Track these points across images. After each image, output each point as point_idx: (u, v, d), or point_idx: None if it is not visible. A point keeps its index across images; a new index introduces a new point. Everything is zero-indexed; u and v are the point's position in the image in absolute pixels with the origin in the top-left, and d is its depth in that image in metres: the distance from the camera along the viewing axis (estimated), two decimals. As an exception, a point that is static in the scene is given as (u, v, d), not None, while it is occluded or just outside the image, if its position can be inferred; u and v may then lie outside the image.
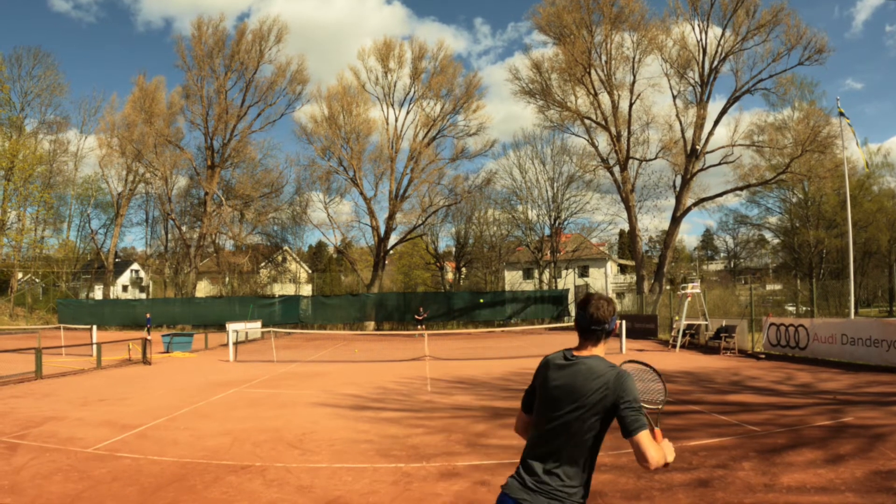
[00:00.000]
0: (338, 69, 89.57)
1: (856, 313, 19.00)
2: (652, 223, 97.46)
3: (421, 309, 31.16)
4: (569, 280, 46.40)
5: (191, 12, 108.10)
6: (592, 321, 2.51)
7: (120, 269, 60.06)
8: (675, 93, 35.16)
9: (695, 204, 34.92)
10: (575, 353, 2.54)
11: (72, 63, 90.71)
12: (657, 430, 2.44)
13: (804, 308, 33.66)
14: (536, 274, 48.29)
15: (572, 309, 38.18)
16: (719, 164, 34.14)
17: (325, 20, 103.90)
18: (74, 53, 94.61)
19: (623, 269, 58.69)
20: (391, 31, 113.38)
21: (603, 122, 36.38)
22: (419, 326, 29.45)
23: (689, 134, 34.16)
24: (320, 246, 70.76)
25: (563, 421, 2.44)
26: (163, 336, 22.34)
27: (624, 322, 20.13)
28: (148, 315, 30.44)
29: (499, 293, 42.18)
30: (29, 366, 13.59)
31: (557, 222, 46.49)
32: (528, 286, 48.73)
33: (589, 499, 5.13)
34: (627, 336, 20.23)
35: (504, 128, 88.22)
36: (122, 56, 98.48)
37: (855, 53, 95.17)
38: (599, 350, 2.55)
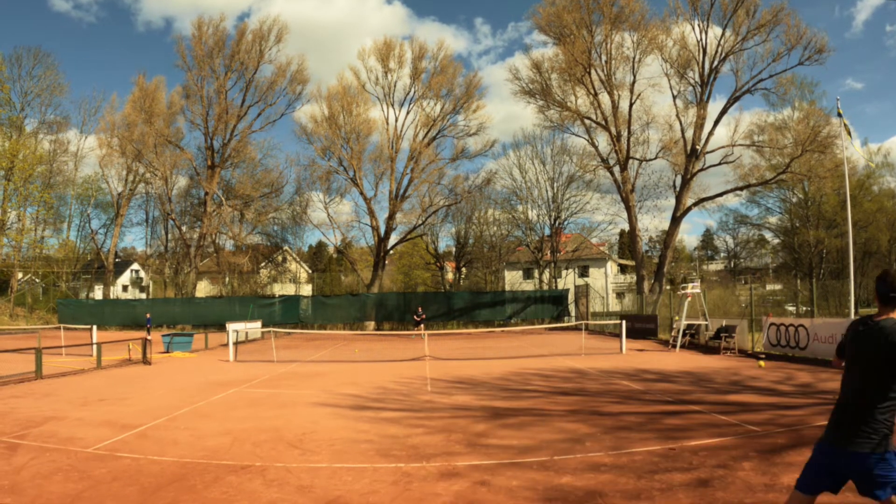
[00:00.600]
0: (338, 69, 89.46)
1: (856, 313, 18.99)
2: (652, 223, 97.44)
3: (420, 309, 31.26)
4: (569, 280, 46.42)
5: (191, 12, 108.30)
6: (892, 289, 3.06)
7: (120, 269, 60.10)
8: (675, 93, 35.17)
9: (695, 204, 34.93)
10: (875, 319, 3.10)
11: (72, 63, 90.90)
12: None
13: (804, 308, 33.65)
14: (536, 274, 48.32)
15: (572, 309, 38.22)
16: (719, 164, 34.15)
17: (325, 20, 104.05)
18: (74, 53, 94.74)
19: (623, 269, 58.72)
20: (391, 30, 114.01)
21: (603, 122, 36.37)
22: (418, 327, 29.47)
23: (689, 134, 34.15)
24: (320, 246, 70.86)
25: (869, 375, 3.00)
26: (163, 336, 22.34)
27: (624, 322, 20.15)
28: (148, 315, 30.43)
29: (499, 293, 42.20)
30: (29, 366, 13.59)
31: (557, 222, 46.54)
32: (528, 286, 48.78)
33: (588, 499, 5.15)
34: (627, 336, 20.22)
35: (504, 128, 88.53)
36: (122, 56, 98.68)
37: (855, 53, 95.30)
38: None
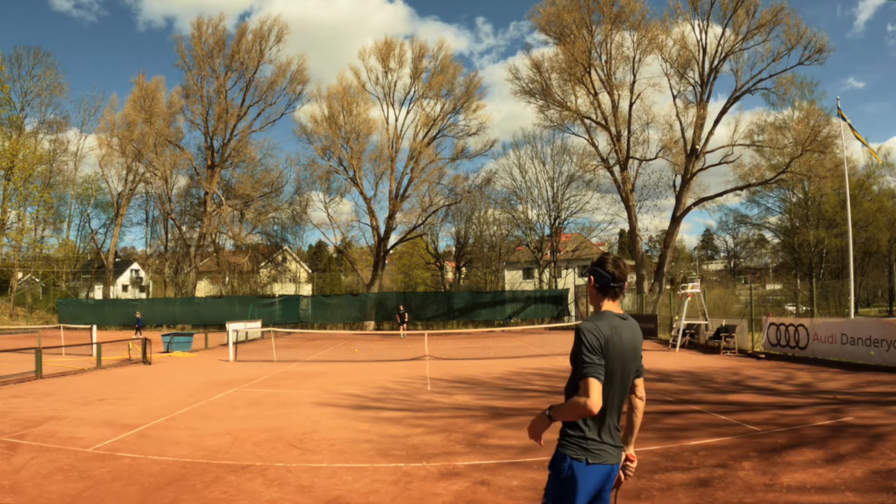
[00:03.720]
0: (339, 68, 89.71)
1: (856, 313, 19.01)
2: (652, 223, 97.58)
3: (402, 308, 31.40)
4: (569, 280, 46.42)
5: (192, 12, 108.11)
6: (615, 279, 2.75)
7: (120, 268, 60.08)
8: (676, 92, 35.15)
9: (695, 203, 34.91)
10: (620, 312, 2.77)
11: (73, 62, 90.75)
12: None
13: (804, 308, 33.66)
14: (536, 273, 48.32)
15: (572, 308, 38.21)
16: (719, 163, 34.15)
17: (326, 19, 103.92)
18: (75, 53, 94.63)
19: (623, 269, 58.58)
20: (393, 29, 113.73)
21: (603, 122, 36.35)
22: (402, 326, 29.51)
23: (690, 133, 34.13)
24: (320, 246, 70.81)
25: (629, 373, 2.73)
26: (163, 336, 22.34)
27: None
28: (138, 315, 30.37)
29: (499, 293, 42.20)
30: (29, 365, 13.58)
31: (557, 222, 46.54)
32: (528, 286, 48.75)
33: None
34: (627, 336, 20.18)
35: (506, 126, 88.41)
36: (123, 55, 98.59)
37: (857, 53, 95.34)
38: (617, 306, 2.80)
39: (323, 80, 63.03)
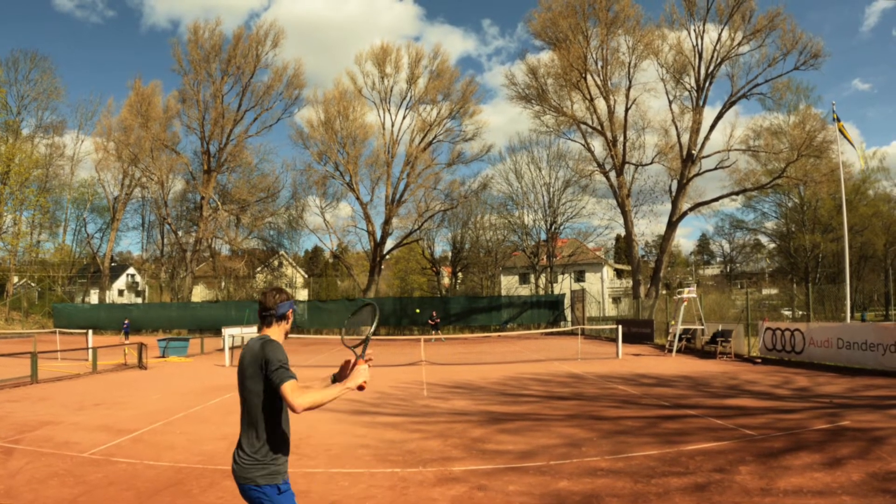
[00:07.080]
0: (347, 69, 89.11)
1: (852, 317, 19.06)
2: (648, 228, 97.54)
3: (434, 313, 31.33)
4: (565, 285, 46.46)
5: (199, 13, 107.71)
6: (263, 308, 3.08)
7: (116, 273, 59.86)
8: (671, 97, 35.29)
9: (691, 208, 34.98)
10: (261, 335, 3.08)
11: (75, 63, 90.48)
12: (360, 360, 3.00)
13: (800, 312, 33.74)
14: (533, 279, 48.36)
15: (568, 314, 38.23)
16: (715, 168, 34.26)
17: (336, 19, 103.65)
18: (78, 54, 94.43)
19: (619, 274, 58.79)
20: (402, 31, 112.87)
21: (599, 127, 36.45)
22: (435, 332, 29.44)
23: (686, 138, 34.25)
24: (316, 251, 70.81)
25: (244, 388, 2.96)
26: (158, 340, 22.25)
27: (620, 326, 20.15)
28: (126, 321, 30.21)
29: (495, 298, 42.19)
30: (24, 370, 13.53)
31: (554, 227, 46.60)
32: (525, 291, 48.80)
33: (584, 503, 5.14)
34: (624, 341, 20.20)
35: (510, 129, 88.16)
36: (128, 57, 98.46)
37: (862, 56, 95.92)
38: (273, 332, 3.12)
39: (330, 81, 62.68)
